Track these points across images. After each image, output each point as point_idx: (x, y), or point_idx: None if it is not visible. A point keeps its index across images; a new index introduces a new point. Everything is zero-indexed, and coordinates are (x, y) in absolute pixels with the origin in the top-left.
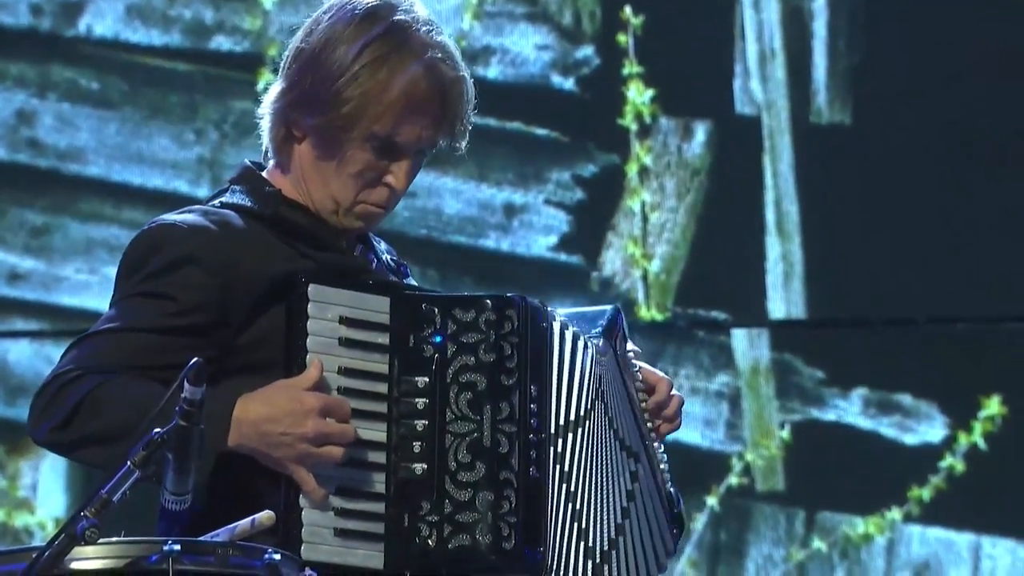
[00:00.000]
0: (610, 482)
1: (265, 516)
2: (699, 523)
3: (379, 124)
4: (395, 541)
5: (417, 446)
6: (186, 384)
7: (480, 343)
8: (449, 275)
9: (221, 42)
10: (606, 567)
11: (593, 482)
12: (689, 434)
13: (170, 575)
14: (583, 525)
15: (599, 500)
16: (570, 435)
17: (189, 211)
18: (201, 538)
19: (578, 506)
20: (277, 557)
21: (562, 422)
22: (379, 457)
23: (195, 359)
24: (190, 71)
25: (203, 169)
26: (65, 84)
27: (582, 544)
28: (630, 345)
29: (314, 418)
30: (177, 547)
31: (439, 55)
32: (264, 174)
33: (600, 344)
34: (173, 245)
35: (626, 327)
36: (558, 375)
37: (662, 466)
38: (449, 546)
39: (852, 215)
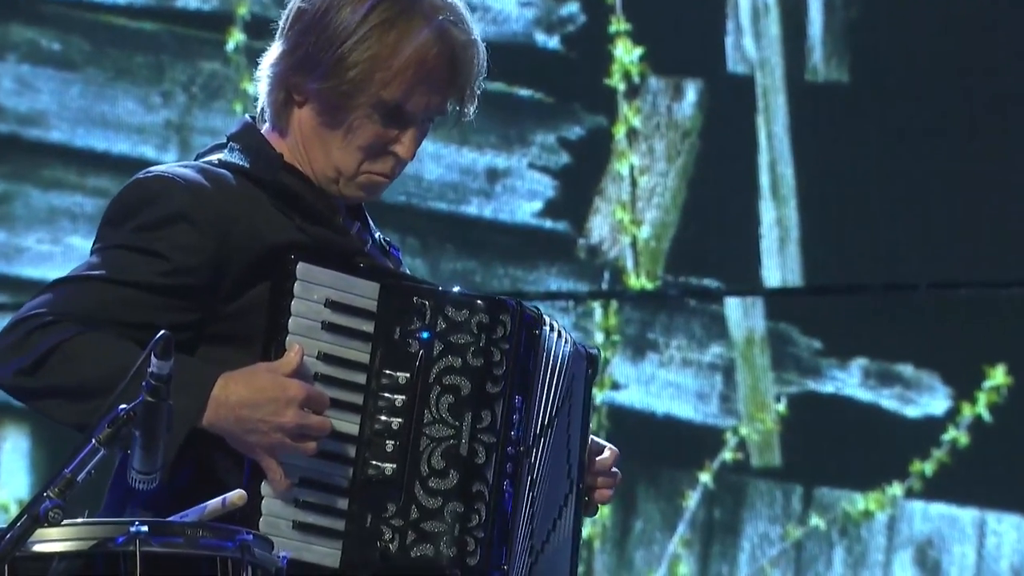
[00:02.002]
0: (554, 493)
1: (236, 496)
2: (692, 500)
3: (387, 90)
4: (355, 541)
5: (390, 445)
6: (153, 358)
7: (469, 346)
8: (430, 243)
9: (189, 0)
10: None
11: (545, 493)
12: (682, 408)
13: (137, 557)
14: (533, 532)
15: (545, 509)
16: (542, 440)
17: (186, 166)
18: (170, 519)
19: (535, 518)
20: (249, 538)
21: (537, 431)
22: (348, 451)
23: (162, 331)
24: (156, 30)
25: (170, 134)
26: (25, 45)
27: (529, 547)
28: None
29: (295, 408)
30: (145, 528)
31: (451, 18)
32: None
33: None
34: (168, 199)
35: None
36: (541, 385)
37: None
38: (411, 554)
39: (850, 177)
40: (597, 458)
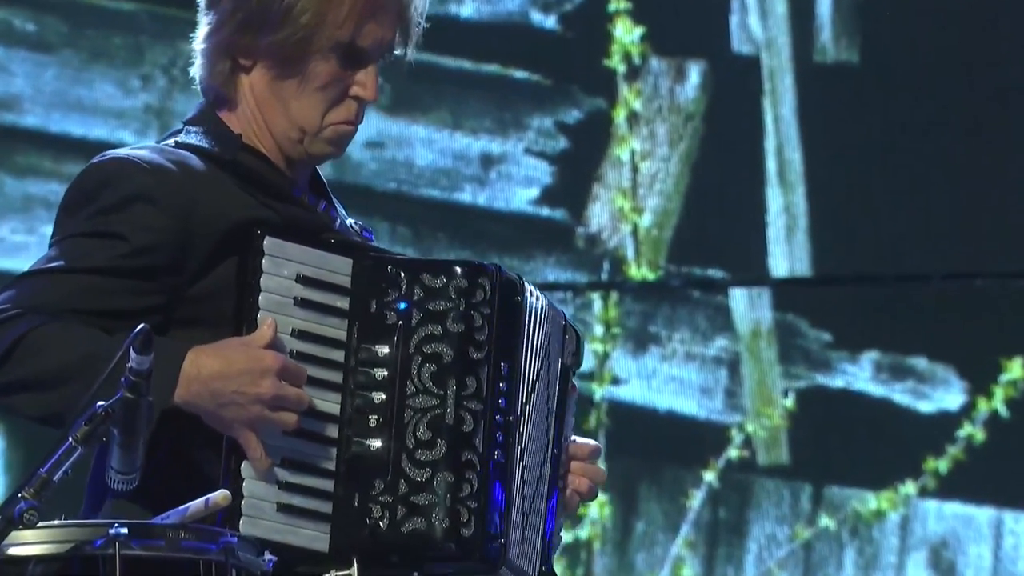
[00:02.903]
0: (538, 452)
1: (220, 496)
2: (696, 500)
3: (341, 30)
4: (343, 522)
5: (373, 420)
6: (132, 352)
7: (449, 312)
8: (422, 232)
9: None
10: (524, 530)
11: (531, 454)
12: (685, 404)
13: (117, 561)
14: (524, 502)
15: (531, 469)
16: (528, 408)
17: (144, 147)
18: (151, 520)
19: (526, 488)
20: (234, 540)
21: (524, 399)
22: (331, 430)
23: (142, 325)
24: (135, 10)
25: (150, 118)
26: None
27: (522, 515)
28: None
29: (271, 378)
30: (124, 530)
31: None
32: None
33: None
34: (126, 180)
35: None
36: (525, 350)
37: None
38: (402, 530)
39: (861, 162)
40: (571, 445)
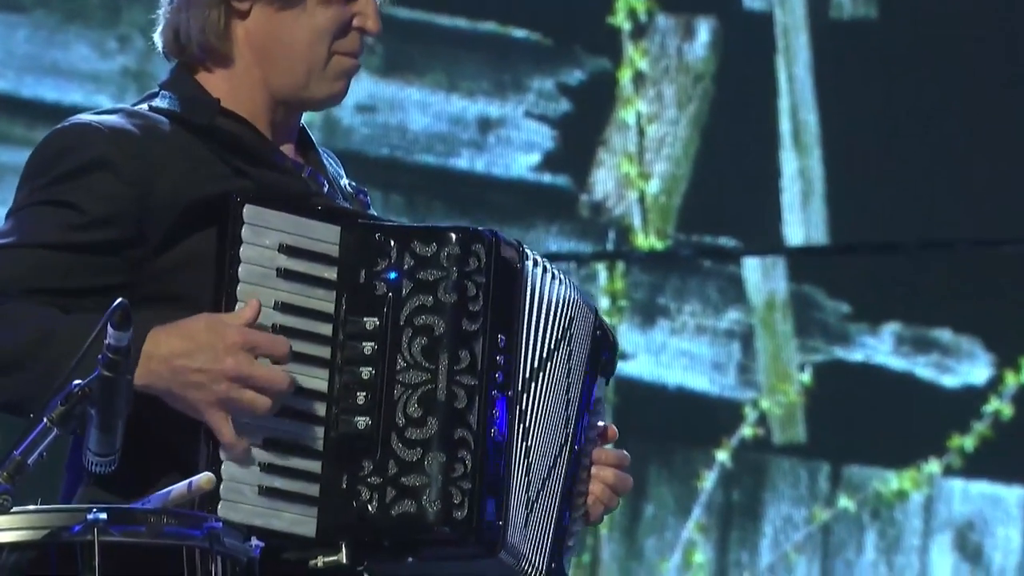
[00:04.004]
0: (551, 437)
1: (204, 479)
2: (708, 482)
3: None
4: (330, 505)
5: (361, 397)
6: (109, 328)
7: (440, 281)
8: (416, 201)
9: None
10: (530, 516)
11: (541, 436)
12: (696, 380)
13: (95, 548)
14: (529, 485)
15: (542, 453)
16: (532, 385)
17: (111, 111)
18: (131, 505)
19: (531, 471)
20: (218, 526)
21: (527, 375)
22: (318, 408)
23: (119, 299)
24: None
25: (128, 82)
26: None
27: (525, 499)
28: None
29: (236, 354)
30: (103, 516)
31: None
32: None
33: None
34: (86, 147)
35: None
36: (528, 322)
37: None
38: (392, 512)
39: (880, 124)
40: (596, 449)
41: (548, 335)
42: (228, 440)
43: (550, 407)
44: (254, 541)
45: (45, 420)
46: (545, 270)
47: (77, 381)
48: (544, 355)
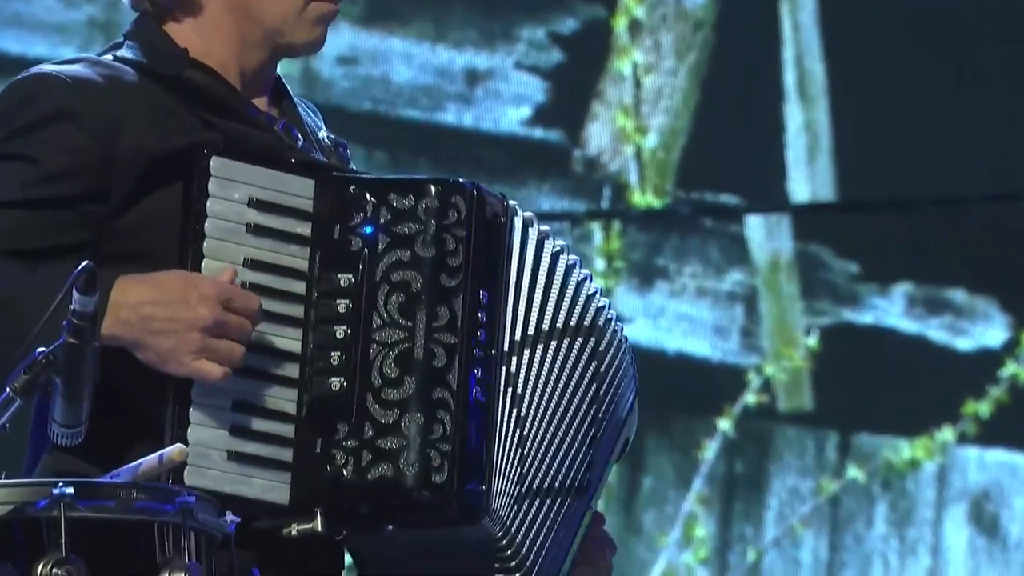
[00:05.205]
0: (563, 419)
1: (176, 451)
2: (709, 452)
3: None
4: (303, 470)
5: (335, 357)
6: (75, 293)
7: (418, 235)
8: (400, 157)
9: None
10: (536, 523)
11: (543, 411)
12: (697, 345)
13: (62, 524)
14: (527, 465)
15: (552, 436)
16: (527, 351)
17: (75, 60)
18: (99, 479)
19: (526, 443)
20: (191, 500)
21: (518, 336)
22: (290, 369)
23: (85, 262)
24: None
25: (95, 33)
26: None
27: (518, 475)
28: None
29: (211, 304)
30: (70, 490)
31: None
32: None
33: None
34: (47, 98)
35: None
36: (517, 281)
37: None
38: (368, 476)
39: (889, 74)
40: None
41: (548, 299)
42: (218, 376)
43: (559, 385)
44: (229, 516)
45: (8, 390)
46: (529, 224)
47: (41, 349)
48: (548, 323)
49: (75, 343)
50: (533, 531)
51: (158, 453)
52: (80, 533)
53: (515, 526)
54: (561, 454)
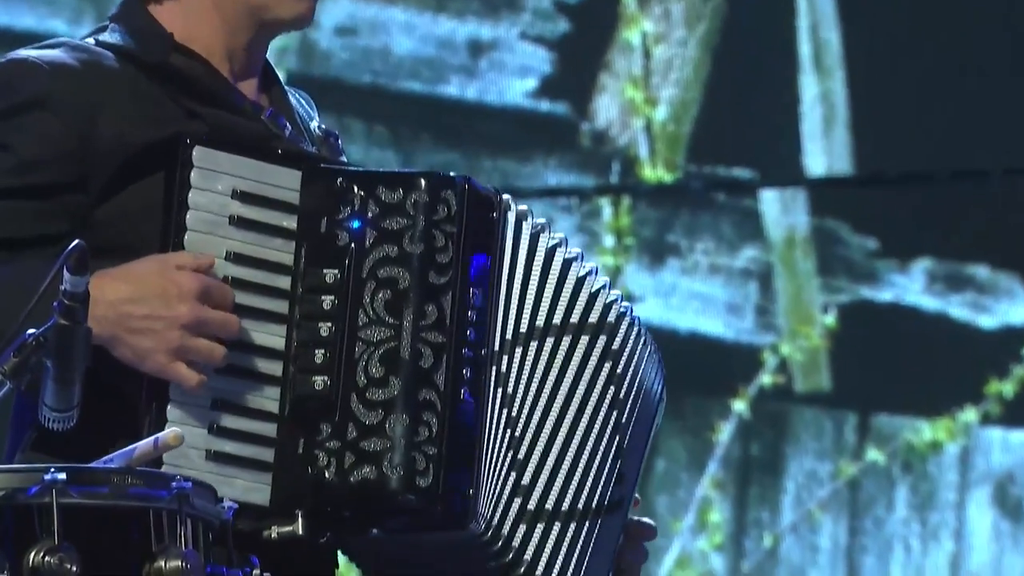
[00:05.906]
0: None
1: (171, 435)
2: (724, 434)
3: None
4: (285, 471)
5: (319, 355)
6: (65, 273)
7: (406, 230)
8: (401, 132)
9: None
10: (535, 540)
11: (550, 415)
12: (710, 324)
13: (54, 510)
14: (518, 464)
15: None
16: (519, 352)
17: (55, 45)
18: (92, 464)
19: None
20: (188, 485)
21: (510, 336)
22: (273, 367)
23: (76, 241)
24: None
25: (84, 5)
26: None
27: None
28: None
29: (190, 301)
30: (62, 476)
31: None
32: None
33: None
34: (24, 84)
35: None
36: (510, 278)
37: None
38: (350, 479)
39: (907, 43)
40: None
41: (543, 295)
42: (193, 384)
43: (560, 387)
44: (227, 502)
45: None
46: (523, 218)
47: (31, 330)
48: (543, 320)
49: (66, 324)
50: (561, 557)
51: (153, 437)
52: (73, 520)
53: (531, 549)
54: (583, 466)
